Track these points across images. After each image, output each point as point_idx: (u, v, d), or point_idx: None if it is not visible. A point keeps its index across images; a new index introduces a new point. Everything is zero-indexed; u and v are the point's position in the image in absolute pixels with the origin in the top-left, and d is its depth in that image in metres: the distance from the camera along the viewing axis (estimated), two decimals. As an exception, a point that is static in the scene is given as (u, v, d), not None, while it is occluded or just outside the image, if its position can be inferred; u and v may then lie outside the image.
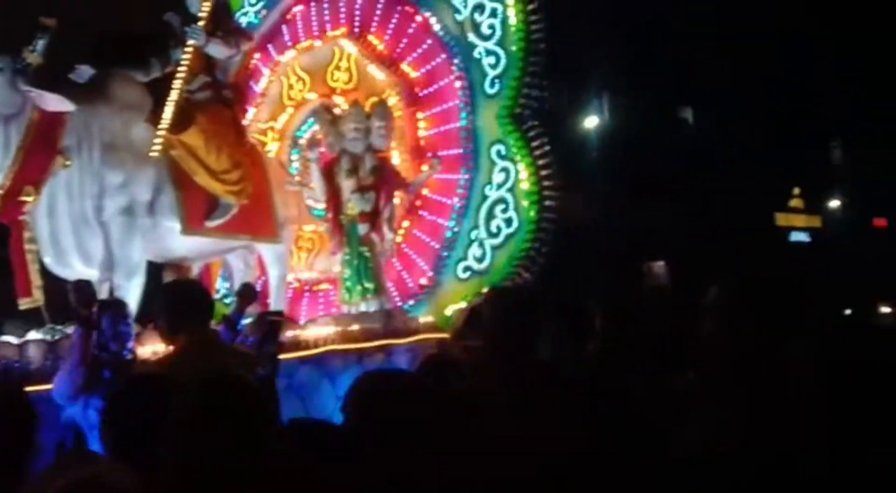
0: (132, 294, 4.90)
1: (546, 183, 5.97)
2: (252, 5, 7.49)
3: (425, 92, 6.45)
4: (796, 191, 29.23)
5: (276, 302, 6.19)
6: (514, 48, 6.00)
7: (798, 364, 1.99)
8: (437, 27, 6.33)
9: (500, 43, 6.06)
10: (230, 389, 1.71)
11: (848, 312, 8.57)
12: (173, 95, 5.18)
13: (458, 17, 6.25)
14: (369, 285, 5.81)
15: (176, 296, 3.17)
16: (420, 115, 6.45)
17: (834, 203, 32.09)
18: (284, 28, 7.29)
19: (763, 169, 25.30)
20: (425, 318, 6.10)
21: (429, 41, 6.40)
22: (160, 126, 5.13)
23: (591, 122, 14.66)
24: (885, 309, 3.99)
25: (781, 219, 26.94)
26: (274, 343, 2.29)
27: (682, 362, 2.82)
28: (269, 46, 7.29)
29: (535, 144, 5.97)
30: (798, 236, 27.28)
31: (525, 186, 5.92)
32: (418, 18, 6.47)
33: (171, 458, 1.63)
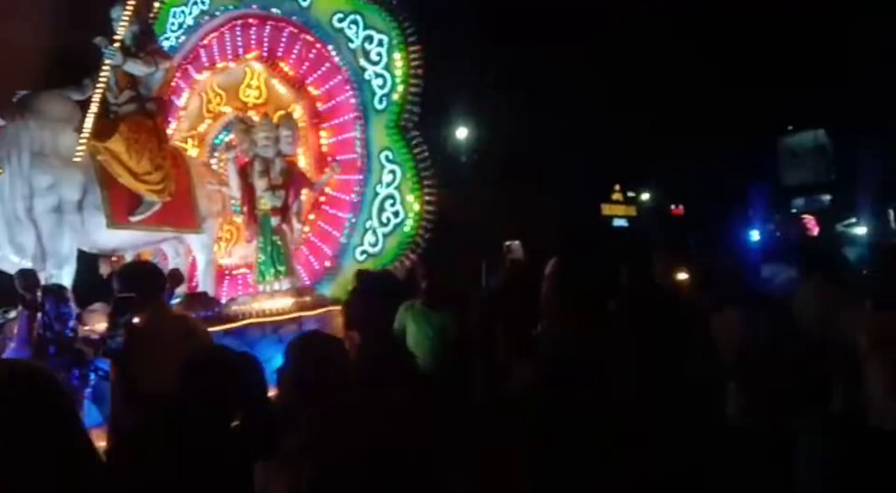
0: (65, 282, 4.69)
1: (426, 182, 6.01)
2: (174, 31, 7.19)
3: (325, 107, 6.33)
4: (617, 187, 30.78)
5: (203, 284, 6.06)
6: (397, 72, 5.98)
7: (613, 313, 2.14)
8: (333, 53, 6.23)
9: (386, 67, 6.02)
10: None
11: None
12: (93, 108, 5.10)
13: (351, 46, 6.16)
14: (281, 268, 5.69)
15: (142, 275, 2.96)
16: (321, 126, 6.34)
17: (645, 196, 34.01)
18: (202, 51, 7.03)
19: (593, 170, 26.42)
20: (331, 293, 6.05)
21: (327, 65, 6.28)
22: (82, 134, 5.04)
23: (461, 133, 14.83)
24: (682, 276, 4.36)
25: (606, 209, 28.34)
26: (123, 318, 2.12)
27: (533, 316, 2.97)
28: (189, 67, 7.01)
29: (416, 150, 5.99)
30: (619, 222, 28.75)
31: (409, 184, 5.93)
32: (318, 46, 6.34)
33: None
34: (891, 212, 19.53)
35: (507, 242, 3.46)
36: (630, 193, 33.17)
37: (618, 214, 29.26)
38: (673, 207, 36.59)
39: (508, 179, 15.54)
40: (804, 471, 3.19)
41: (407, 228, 5.90)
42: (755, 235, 20.72)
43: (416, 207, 5.89)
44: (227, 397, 1.68)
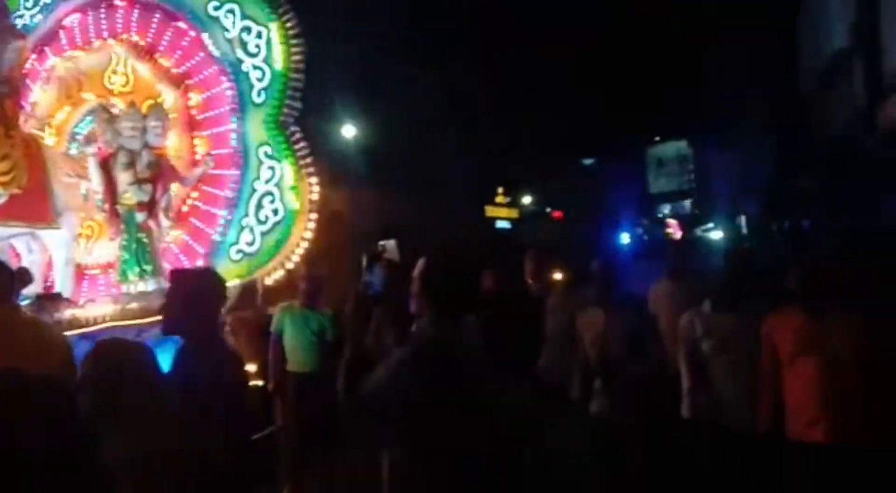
0: None
1: (309, 180, 5.82)
2: (28, 9, 6.48)
3: (199, 98, 5.97)
4: (500, 190, 31.60)
5: (60, 284, 5.53)
6: (277, 66, 5.74)
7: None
8: (208, 43, 5.88)
9: (265, 60, 5.77)
10: None
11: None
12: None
13: (227, 36, 5.84)
14: (147, 267, 5.29)
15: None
16: (194, 118, 5.97)
17: (527, 199, 35.17)
18: (62, 33, 6.38)
19: (478, 173, 26.91)
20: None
21: (201, 54, 5.92)
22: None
23: (349, 131, 14.57)
24: (558, 276, 4.49)
25: (490, 211, 28.98)
26: None
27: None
28: (46, 49, 6.34)
29: (297, 146, 5.78)
30: (502, 224, 29.51)
31: (289, 181, 5.71)
32: (192, 33, 5.97)
33: None
34: (742, 218, 21.41)
35: (382, 242, 3.40)
36: (513, 197, 34.24)
37: (501, 216, 30.04)
38: (552, 210, 38.18)
39: (395, 179, 15.51)
40: (660, 469, 3.35)
41: (286, 227, 5.68)
42: (625, 238, 22.05)
43: (297, 205, 5.68)
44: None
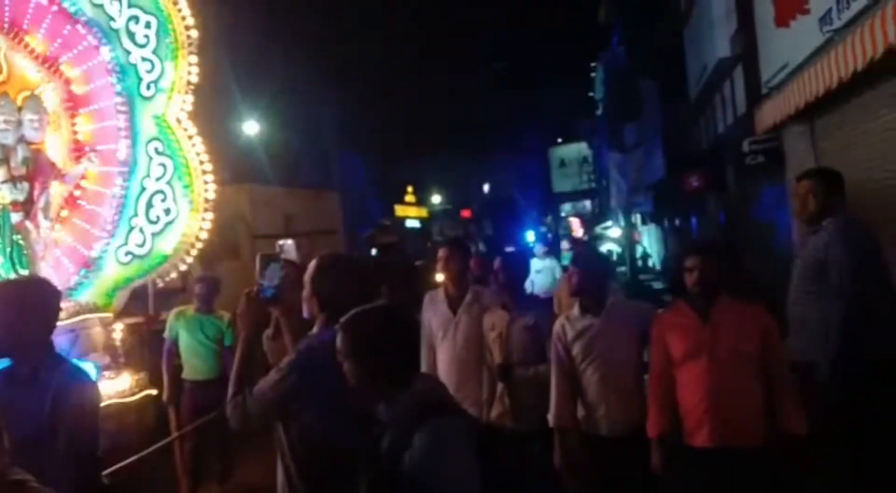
0: None
1: (205, 178, 5.53)
2: None
3: (82, 90, 5.54)
4: (410, 189, 31.60)
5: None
6: (168, 58, 5.43)
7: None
8: (92, 32, 5.47)
9: (154, 52, 5.43)
10: None
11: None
12: None
13: (113, 25, 5.46)
14: (23, 272, 4.87)
15: None
16: (77, 112, 5.53)
17: (437, 198, 35.37)
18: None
19: (389, 174, 26.74)
20: (88, 299, 5.32)
21: (84, 43, 5.48)
22: None
23: (251, 128, 14.06)
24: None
25: (400, 210, 28.93)
26: None
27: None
28: None
29: (191, 142, 5.49)
30: (412, 223, 29.51)
31: (182, 179, 5.41)
32: (73, 21, 5.52)
33: None
34: (637, 216, 22.42)
35: (280, 242, 3.26)
36: (422, 196, 34.32)
37: (410, 216, 30.06)
38: (462, 209, 38.59)
39: (301, 177, 15.14)
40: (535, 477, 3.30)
41: (180, 227, 5.39)
42: (531, 236, 22.58)
43: (191, 204, 5.39)
44: None
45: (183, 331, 5.11)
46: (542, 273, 8.47)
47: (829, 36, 5.18)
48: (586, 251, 4.68)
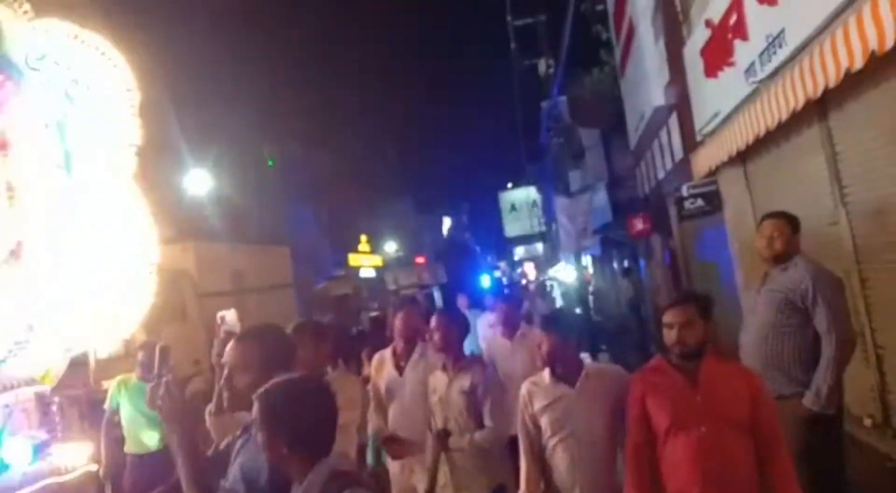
0: None
1: (147, 239, 5.36)
2: None
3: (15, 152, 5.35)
4: (363, 237, 31.48)
5: None
6: (109, 120, 5.32)
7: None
8: (22, 87, 5.33)
9: (95, 114, 5.32)
10: None
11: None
12: None
13: (51, 88, 5.35)
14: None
15: None
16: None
17: (391, 246, 35.32)
18: None
19: (342, 223, 26.61)
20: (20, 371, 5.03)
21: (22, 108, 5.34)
22: None
23: (196, 184, 13.81)
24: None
25: (353, 259, 28.72)
26: None
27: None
28: None
29: (135, 204, 5.34)
30: (366, 273, 29.30)
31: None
32: (9, 82, 5.39)
33: None
34: (589, 259, 22.85)
35: (221, 313, 3.16)
36: (377, 244, 34.21)
37: (364, 265, 29.86)
38: (416, 256, 38.60)
39: (250, 232, 14.92)
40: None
41: (121, 290, 5.18)
42: (485, 281, 22.68)
43: (134, 267, 5.20)
44: None
45: (125, 401, 4.89)
46: (495, 328, 8.31)
47: (754, 87, 5.48)
48: (558, 315, 3.95)
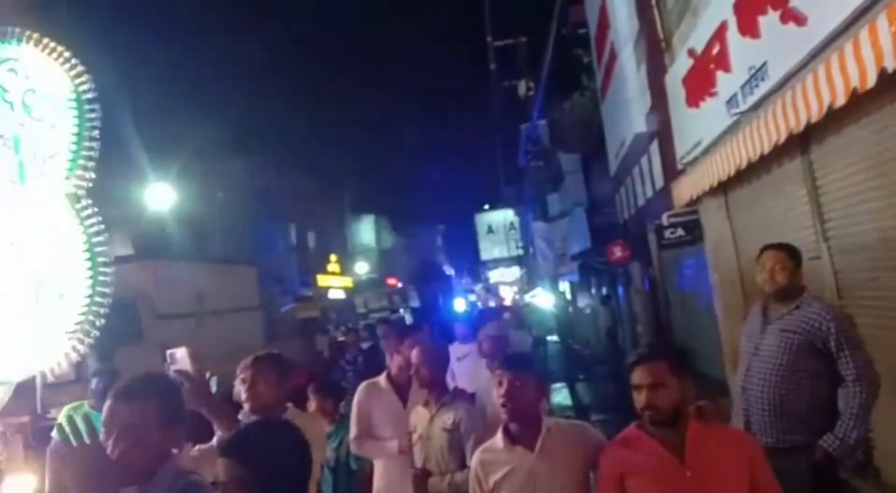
0: None
1: (100, 258, 5.25)
2: None
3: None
4: (333, 257, 31.29)
5: None
6: (67, 133, 5.23)
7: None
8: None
9: (52, 125, 5.23)
10: None
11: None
12: None
13: (6, 97, 5.25)
14: None
15: None
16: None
17: (363, 267, 35.16)
18: None
19: (311, 242, 26.41)
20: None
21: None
22: None
23: (156, 199, 13.61)
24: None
25: (322, 280, 28.50)
26: None
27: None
28: None
29: (88, 222, 5.23)
30: (336, 294, 29.07)
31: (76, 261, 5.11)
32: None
33: None
34: (567, 284, 22.98)
35: (169, 351, 3.03)
36: (346, 265, 34.02)
37: (334, 286, 29.64)
38: (388, 277, 38.47)
39: (213, 250, 14.72)
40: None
41: (72, 313, 5.04)
42: (461, 305, 22.65)
43: (85, 287, 5.08)
44: None
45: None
46: (464, 361, 8.11)
47: (736, 118, 5.60)
48: (517, 355, 3.22)
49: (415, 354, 3.52)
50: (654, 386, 2.25)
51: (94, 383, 4.87)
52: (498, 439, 2.57)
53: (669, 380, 2.25)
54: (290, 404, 3.15)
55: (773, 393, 3.38)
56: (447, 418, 3.29)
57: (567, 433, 2.54)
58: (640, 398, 2.28)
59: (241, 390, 3.10)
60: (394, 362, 3.88)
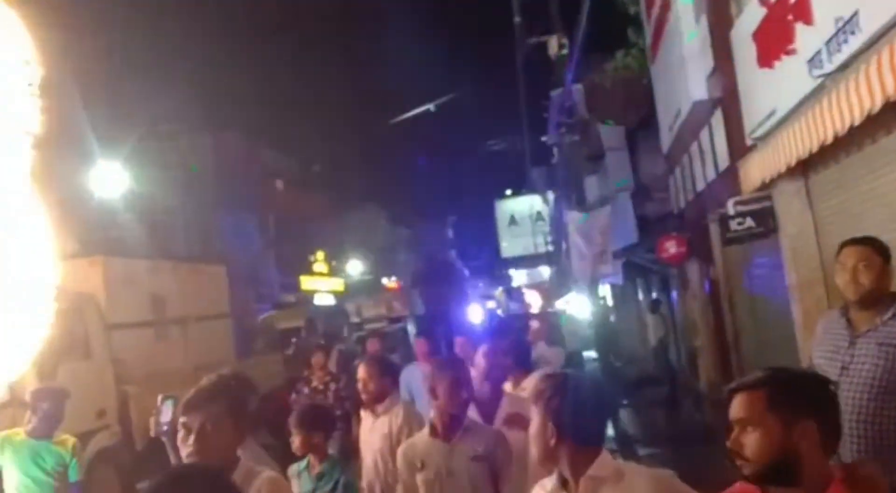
0: None
1: (39, 256, 5.32)
2: None
3: None
4: (320, 255, 31.44)
5: None
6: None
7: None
8: None
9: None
10: None
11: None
12: None
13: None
14: None
15: None
16: None
17: (355, 267, 35.30)
18: None
19: (291, 237, 26.60)
20: None
21: None
22: None
23: (107, 185, 13.72)
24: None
25: (307, 283, 28.67)
26: None
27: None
28: None
29: (23, 211, 5.30)
30: (324, 299, 29.19)
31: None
32: None
33: None
34: (607, 287, 22.95)
35: (159, 403, 3.04)
36: (336, 264, 34.14)
37: (320, 290, 29.72)
38: (386, 280, 38.54)
39: (175, 246, 14.84)
40: None
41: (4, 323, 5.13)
42: (477, 314, 22.57)
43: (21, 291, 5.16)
44: None
45: (10, 463, 4.83)
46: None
47: (820, 82, 5.58)
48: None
49: (437, 376, 3.41)
50: (743, 424, 1.99)
51: (33, 405, 4.94)
52: (553, 479, 2.32)
53: (765, 419, 1.95)
54: (242, 458, 2.68)
55: (869, 423, 3.26)
56: (473, 445, 3.28)
57: (643, 481, 2.24)
58: (744, 442, 1.99)
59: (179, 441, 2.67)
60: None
